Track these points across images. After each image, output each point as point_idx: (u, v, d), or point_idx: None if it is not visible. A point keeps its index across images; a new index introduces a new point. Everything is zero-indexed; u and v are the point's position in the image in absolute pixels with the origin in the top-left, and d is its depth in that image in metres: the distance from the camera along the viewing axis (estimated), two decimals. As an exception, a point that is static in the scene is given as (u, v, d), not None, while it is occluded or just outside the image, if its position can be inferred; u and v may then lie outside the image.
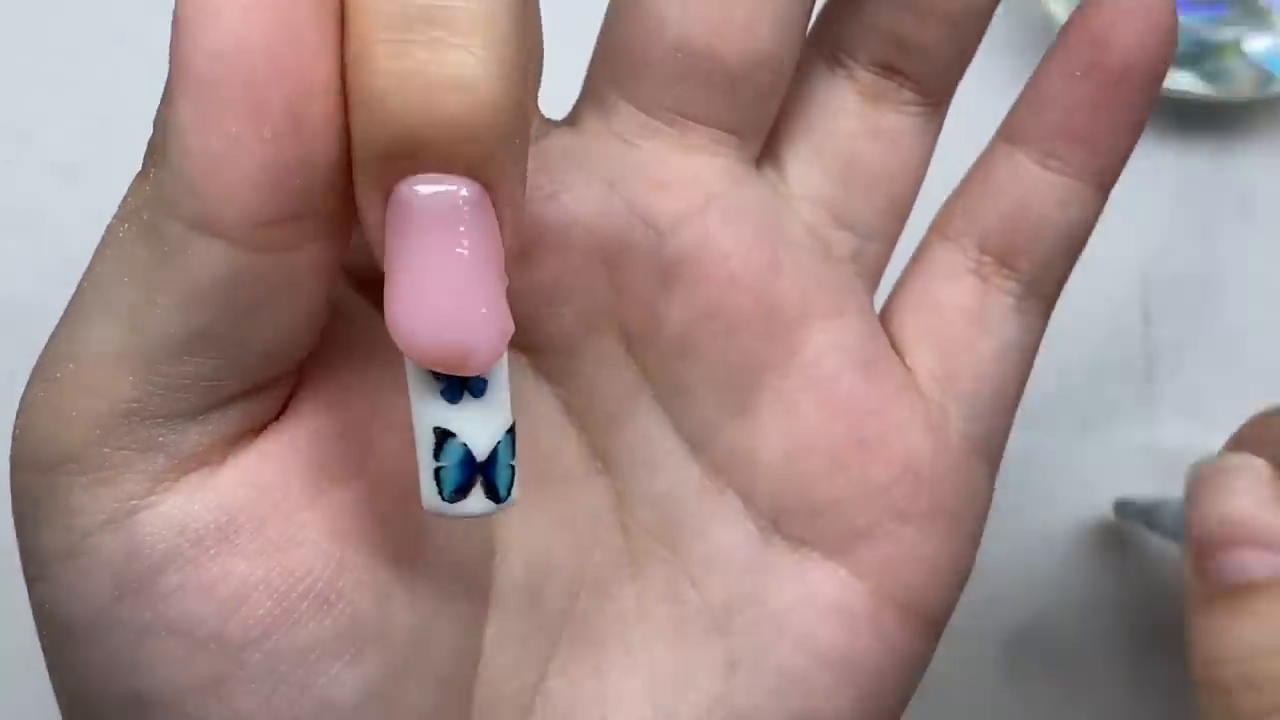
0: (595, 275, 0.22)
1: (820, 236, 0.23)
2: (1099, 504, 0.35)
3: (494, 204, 0.16)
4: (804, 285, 0.23)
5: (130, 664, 0.18)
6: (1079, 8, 0.23)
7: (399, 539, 0.19)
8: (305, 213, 0.16)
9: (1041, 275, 0.24)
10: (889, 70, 0.23)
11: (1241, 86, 0.36)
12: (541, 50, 0.20)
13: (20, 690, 0.33)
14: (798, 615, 0.22)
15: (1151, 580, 0.35)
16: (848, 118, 0.23)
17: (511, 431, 0.17)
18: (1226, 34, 0.36)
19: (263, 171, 0.16)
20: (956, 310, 0.24)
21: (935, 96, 0.24)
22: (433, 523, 0.20)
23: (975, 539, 0.24)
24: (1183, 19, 0.35)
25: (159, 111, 0.16)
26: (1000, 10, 0.24)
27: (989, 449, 0.24)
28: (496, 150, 0.16)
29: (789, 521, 0.22)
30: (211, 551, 0.18)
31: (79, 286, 0.18)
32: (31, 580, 0.18)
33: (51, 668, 0.19)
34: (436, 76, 0.15)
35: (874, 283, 0.24)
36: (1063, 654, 0.34)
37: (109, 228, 0.17)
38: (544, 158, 0.21)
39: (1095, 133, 0.23)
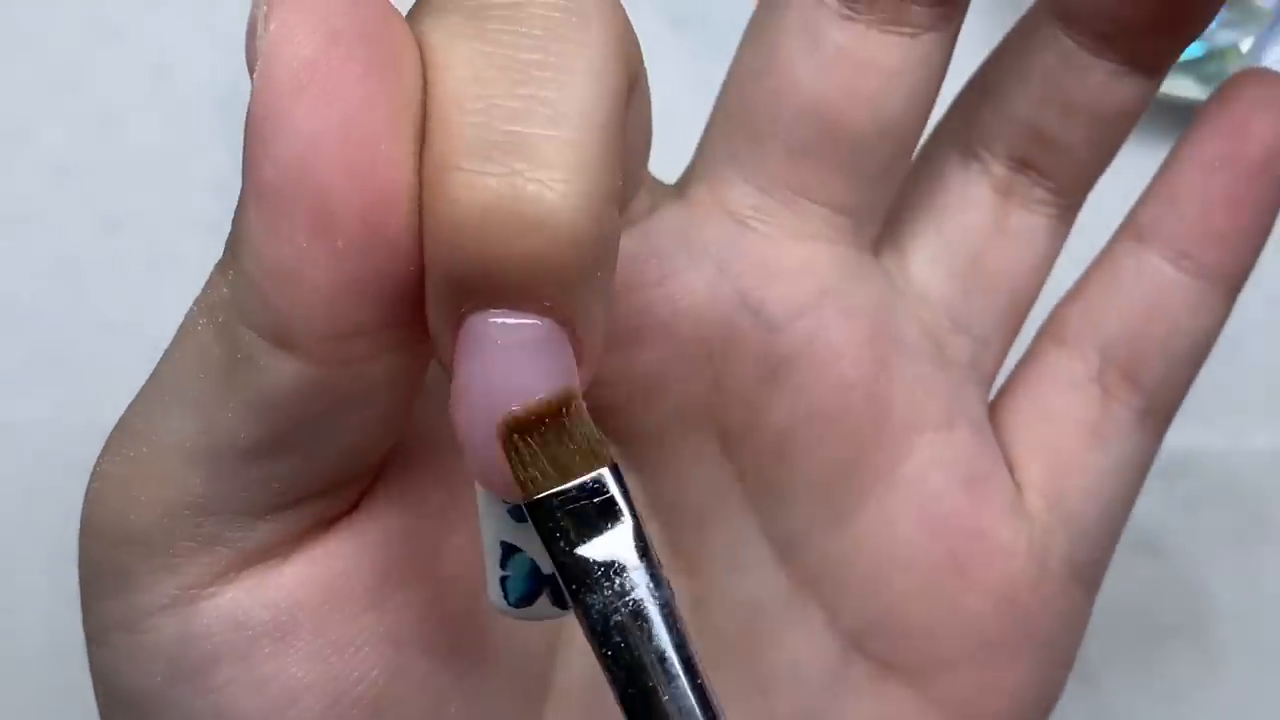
0: (697, 368, 0.20)
1: (937, 339, 0.22)
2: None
3: (571, 336, 0.15)
4: (915, 392, 0.21)
5: None
6: (1212, 97, 0.22)
7: (460, 643, 0.19)
8: (381, 325, 0.15)
9: (1165, 388, 0.22)
10: (1025, 165, 0.22)
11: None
12: (648, 141, 0.19)
13: (19, 691, 0.32)
14: None
15: (1153, 580, 0.35)
16: (978, 212, 0.22)
17: None
18: (1226, 37, 0.36)
19: (334, 285, 0.15)
20: (1073, 423, 0.22)
21: (1069, 197, 0.22)
22: (495, 622, 0.19)
23: (1068, 665, 0.22)
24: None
25: (235, 211, 0.15)
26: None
27: (1092, 575, 0.23)
28: (575, 287, 0.15)
29: (873, 641, 0.21)
30: (266, 650, 0.17)
31: (159, 366, 0.17)
32: (91, 641, 0.18)
33: None
34: (513, 214, 0.14)
35: (987, 387, 0.23)
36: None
37: (190, 314, 0.16)
38: (651, 238, 0.20)
39: (1233, 230, 0.21)
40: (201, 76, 0.36)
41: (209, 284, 0.16)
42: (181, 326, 0.17)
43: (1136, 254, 0.22)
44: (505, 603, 0.17)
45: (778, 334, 0.20)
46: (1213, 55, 0.36)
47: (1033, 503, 0.22)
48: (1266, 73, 0.21)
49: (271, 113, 0.14)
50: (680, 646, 0.15)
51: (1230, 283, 0.22)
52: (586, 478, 0.15)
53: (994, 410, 0.23)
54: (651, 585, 0.16)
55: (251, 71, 0.14)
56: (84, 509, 0.17)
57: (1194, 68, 0.36)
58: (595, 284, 0.15)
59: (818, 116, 0.20)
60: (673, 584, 0.21)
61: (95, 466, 0.18)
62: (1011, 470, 0.22)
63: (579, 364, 0.15)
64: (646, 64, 0.17)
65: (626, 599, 0.15)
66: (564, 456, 0.15)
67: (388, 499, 0.18)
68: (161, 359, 0.17)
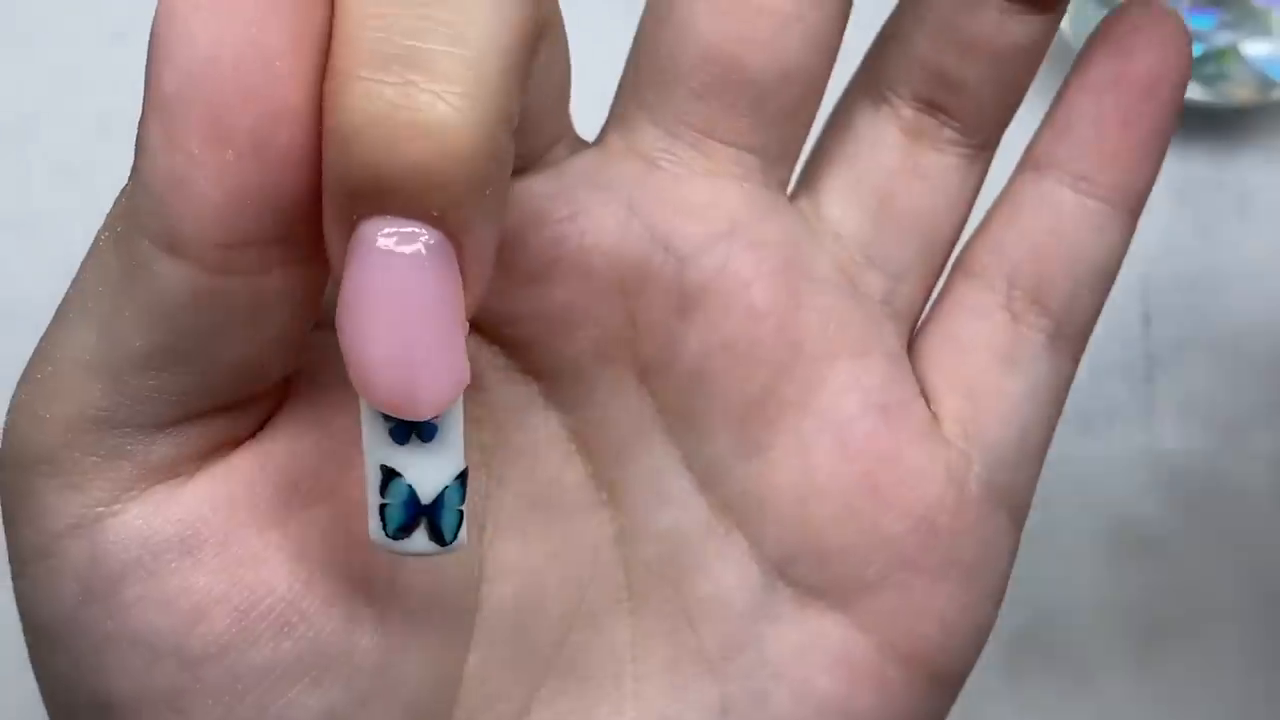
0: (611, 302, 0.21)
1: (849, 273, 0.23)
2: (1099, 505, 0.35)
3: (459, 253, 0.16)
4: (827, 322, 0.22)
5: (94, 668, 0.18)
6: (1097, 29, 0.23)
7: (371, 564, 0.19)
8: (272, 238, 0.16)
9: (1074, 310, 0.23)
10: (932, 107, 0.23)
11: (1241, 92, 0.36)
12: (566, 92, 0.20)
13: (19, 691, 0.32)
14: (797, 664, 0.22)
15: (1153, 580, 0.35)
16: (888, 153, 0.23)
17: (462, 477, 0.17)
18: (1225, 38, 0.36)
19: (224, 194, 0.15)
20: (985, 351, 0.23)
21: (979, 136, 0.23)
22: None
23: (995, 594, 0.23)
24: (1182, 22, 0.36)
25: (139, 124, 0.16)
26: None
27: (1013, 499, 0.23)
28: (464, 200, 0.15)
29: (795, 567, 0.22)
30: (172, 565, 0.18)
31: (68, 290, 0.18)
32: (14, 576, 0.19)
33: (31, 664, 0.19)
34: (403, 121, 0.15)
35: (908, 325, 0.23)
36: (1063, 654, 0.34)
37: (97, 234, 0.18)
38: (564, 178, 0.21)
39: (1127, 149, 0.22)
40: (202, 77, 0.36)
41: (116, 201, 0.17)
42: (91, 245, 0.17)
43: (1035, 183, 0.23)
44: (384, 535, 0.17)
45: (687, 267, 0.21)
46: (1212, 55, 0.36)
47: (950, 430, 0.22)
48: (1148, 2, 0.23)
49: (173, 25, 0.15)
50: None
51: (1130, 203, 0.23)
52: None
53: (912, 347, 0.24)
54: None
55: None
56: (1, 442, 0.18)
57: (1194, 67, 0.36)
58: (484, 202, 0.16)
59: (715, 61, 0.21)
60: (598, 517, 0.22)
61: (10, 400, 0.18)
62: (930, 402, 0.23)
63: (465, 287, 0.16)
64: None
65: None
66: None
67: (293, 421, 0.19)
68: (73, 279, 0.18)
